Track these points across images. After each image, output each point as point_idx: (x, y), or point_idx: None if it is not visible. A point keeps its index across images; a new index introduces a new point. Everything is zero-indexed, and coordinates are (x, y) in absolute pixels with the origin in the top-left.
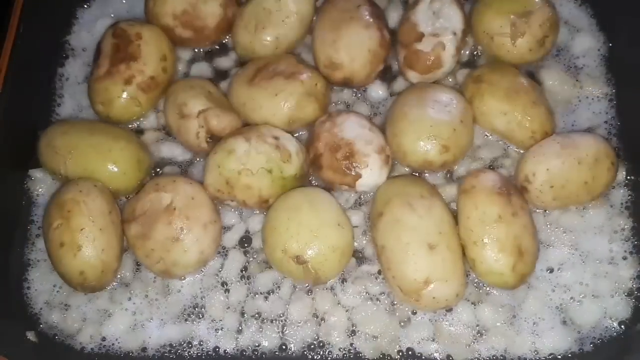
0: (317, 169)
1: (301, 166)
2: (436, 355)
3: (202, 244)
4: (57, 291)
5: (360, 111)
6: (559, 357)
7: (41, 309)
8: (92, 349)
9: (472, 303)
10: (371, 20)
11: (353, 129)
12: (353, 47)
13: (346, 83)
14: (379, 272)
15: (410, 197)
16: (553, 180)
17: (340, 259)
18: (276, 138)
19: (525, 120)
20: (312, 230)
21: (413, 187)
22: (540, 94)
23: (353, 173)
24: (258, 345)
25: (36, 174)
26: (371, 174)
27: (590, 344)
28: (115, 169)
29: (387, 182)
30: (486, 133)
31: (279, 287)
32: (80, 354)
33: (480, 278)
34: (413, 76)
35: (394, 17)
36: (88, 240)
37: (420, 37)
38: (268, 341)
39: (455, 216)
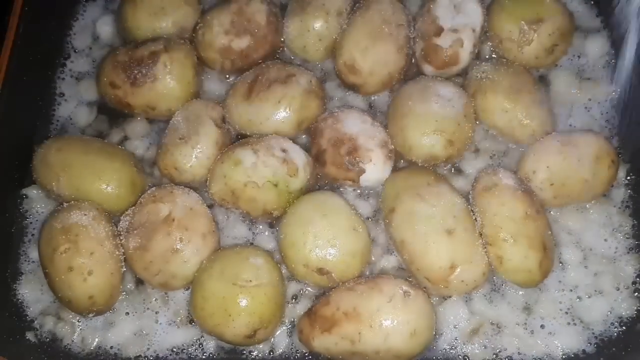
0: (321, 165)
1: (308, 179)
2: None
3: (201, 255)
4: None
5: (356, 105)
6: (564, 357)
7: (36, 317)
8: (91, 351)
9: (489, 302)
10: (405, 45)
11: (355, 125)
12: (379, 63)
13: (351, 87)
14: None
15: (417, 187)
16: (553, 178)
17: (361, 260)
18: (284, 151)
19: (526, 119)
20: (329, 240)
21: (418, 177)
22: (542, 93)
23: (357, 168)
24: (272, 349)
25: (30, 192)
26: (375, 168)
27: (594, 343)
28: (108, 190)
29: (392, 177)
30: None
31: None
32: (80, 356)
33: (505, 276)
34: (428, 70)
35: (413, 5)
36: (99, 264)
37: (440, 31)
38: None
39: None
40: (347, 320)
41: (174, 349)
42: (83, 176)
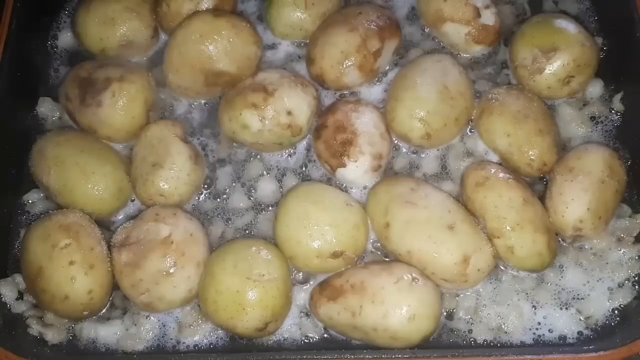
0: (315, 137)
1: (309, 128)
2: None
3: (192, 283)
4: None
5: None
6: (563, 351)
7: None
8: (84, 347)
9: (491, 290)
10: (361, 27)
11: (367, 125)
12: (328, 45)
13: (319, 81)
14: None
15: (403, 195)
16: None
17: (364, 231)
18: (290, 113)
19: (526, 147)
20: (330, 224)
21: (399, 186)
22: (550, 123)
23: (339, 160)
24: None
25: (29, 194)
26: (354, 170)
27: (594, 339)
28: (94, 192)
29: (373, 194)
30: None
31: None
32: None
33: (517, 265)
34: (478, 50)
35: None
36: (99, 259)
37: (477, 12)
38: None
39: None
40: (352, 292)
41: (170, 346)
42: (71, 173)
